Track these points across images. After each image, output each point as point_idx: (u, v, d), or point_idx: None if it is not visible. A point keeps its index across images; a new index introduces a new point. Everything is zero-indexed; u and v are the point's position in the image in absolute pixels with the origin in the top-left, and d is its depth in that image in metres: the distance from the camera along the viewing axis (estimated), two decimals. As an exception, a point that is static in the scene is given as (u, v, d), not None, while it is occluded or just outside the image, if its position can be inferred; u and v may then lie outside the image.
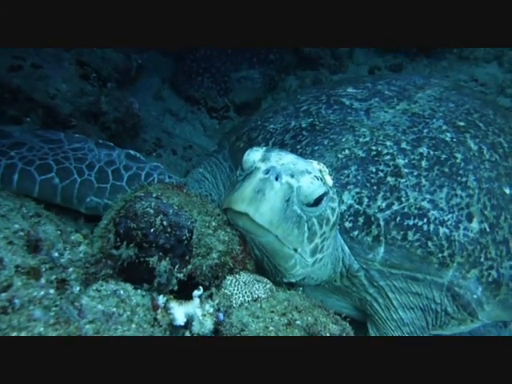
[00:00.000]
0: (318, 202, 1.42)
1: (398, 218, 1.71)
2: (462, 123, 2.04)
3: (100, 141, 2.32)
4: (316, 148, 1.90)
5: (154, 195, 1.31)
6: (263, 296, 1.20)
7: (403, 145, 1.88)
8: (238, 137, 2.26)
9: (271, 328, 1.07)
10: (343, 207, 1.74)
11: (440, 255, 1.69)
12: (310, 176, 1.40)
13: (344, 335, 1.13)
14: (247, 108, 4.28)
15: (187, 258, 1.26)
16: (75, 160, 2.15)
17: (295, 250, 1.43)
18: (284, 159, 1.40)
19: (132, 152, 2.33)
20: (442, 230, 1.71)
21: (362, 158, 1.83)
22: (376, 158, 1.83)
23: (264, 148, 1.48)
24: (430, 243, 1.70)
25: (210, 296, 1.22)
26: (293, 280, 1.54)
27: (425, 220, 1.72)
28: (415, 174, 1.80)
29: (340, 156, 1.84)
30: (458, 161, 1.87)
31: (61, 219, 1.63)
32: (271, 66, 4.50)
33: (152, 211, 1.23)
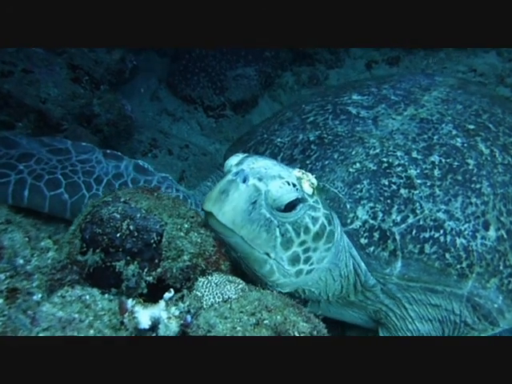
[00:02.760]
0: (291, 207, 1.42)
1: (414, 231, 1.70)
2: (471, 126, 2.01)
3: (108, 151, 2.28)
4: (326, 163, 1.87)
5: (122, 200, 1.32)
6: (234, 296, 1.21)
7: (414, 154, 1.85)
8: (245, 150, 2.23)
9: (239, 328, 1.07)
10: (358, 223, 1.73)
11: (458, 266, 1.68)
12: (281, 181, 1.40)
13: (315, 333, 1.13)
14: (244, 106, 4.28)
15: (156, 261, 1.27)
16: (83, 174, 2.13)
17: (268, 255, 1.43)
18: (257, 164, 1.43)
19: (141, 163, 2.30)
20: (459, 241, 1.70)
21: (374, 170, 1.81)
22: (388, 170, 1.80)
23: (245, 154, 1.52)
24: (447, 255, 1.68)
25: (181, 298, 1.22)
26: (280, 290, 1.52)
27: (441, 231, 1.70)
28: (428, 184, 1.78)
29: (351, 170, 1.82)
30: (470, 167, 1.84)
31: (35, 225, 1.60)
32: (267, 63, 4.47)
33: (118, 216, 1.25)
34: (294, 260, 1.49)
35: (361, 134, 1.95)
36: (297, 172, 1.51)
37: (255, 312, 1.12)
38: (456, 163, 1.84)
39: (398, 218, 1.72)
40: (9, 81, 2.48)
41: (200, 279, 1.28)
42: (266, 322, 1.10)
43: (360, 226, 1.72)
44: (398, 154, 1.85)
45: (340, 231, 1.64)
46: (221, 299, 1.19)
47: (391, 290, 1.74)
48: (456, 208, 1.74)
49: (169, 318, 1.14)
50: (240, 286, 1.25)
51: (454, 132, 1.96)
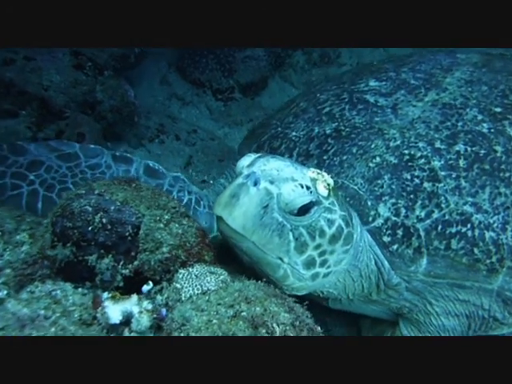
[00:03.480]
0: (304, 211, 1.39)
1: (440, 227, 1.63)
2: (498, 109, 1.89)
3: (117, 153, 2.23)
4: (344, 158, 1.80)
5: (97, 192, 1.30)
6: (213, 288, 1.19)
7: (437, 144, 1.76)
8: (259, 145, 2.17)
9: (215, 321, 1.04)
10: (380, 221, 1.67)
11: (488, 261, 1.61)
12: (294, 183, 1.36)
13: (296, 323, 1.10)
14: (253, 88, 4.19)
15: (133, 253, 1.25)
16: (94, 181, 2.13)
17: (281, 260, 1.40)
18: (269, 165, 1.39)
19: (151, 164, 2.24)
20: (488, 235, 1.62)
21: (395, 164, 1.73)
22: (410, 164, 1.72)
23: (258, 154, 1.47)
24: (475, 250, 1.62)
25: (161, 290, 1.21)
26: (296, 293, 1.49)
27: (468, 226, 1.63)
28: (453, 176, 1.69)
29: (371, 165, 1.74)
30: (498, 154, 1.74)
31: (17, 217, 1.57)
32: (276, 43, 4.31)
33: (90, 209, 1.23)
34: (310, 264, 1.45)
35: (380, 124, 1.86)
36: (311, 173, 1.46)
37: (234, 304, 1.10)
38: (483, 151, 1.74)
39: (422, 214, 1.65)
40: (11, 69, 2.45)
41: (180, 271, 1.26)
42: (243, 313, 1.06)
43: (382, 224, 1.66)
44: (420, 144, 1.76)
45: (360, 231, 1.59)
46: (200, 291, 1.17)
47: (416, 288, 1.69)
48: (484, 200, 1.66)
49: (140, 312, 1.14)
50: (221, 277, 1.23)
51: (480, 117, 1.85)
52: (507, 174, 1.71)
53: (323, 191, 1.45)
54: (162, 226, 1.30)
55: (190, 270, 1.24)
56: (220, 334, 1.00)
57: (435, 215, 1.64)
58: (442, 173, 1.69)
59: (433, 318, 1.75)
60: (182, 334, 1.02)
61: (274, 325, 1.06)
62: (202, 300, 1.11)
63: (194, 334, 1.01)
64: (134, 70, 3.65)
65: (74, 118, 2.50)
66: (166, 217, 1.32)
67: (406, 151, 1.75)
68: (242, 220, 1.31)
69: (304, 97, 2.33)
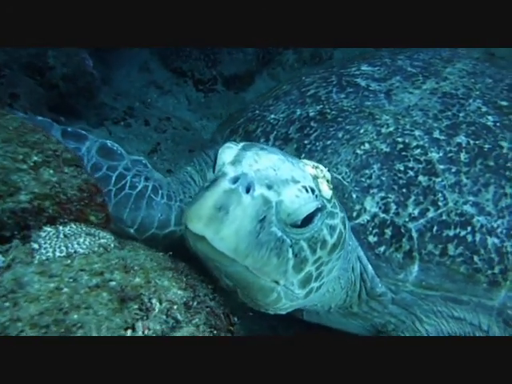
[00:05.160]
0: (308, 220, 1.08)
1: (435, 228, 1.38)
2: (504, 103, 1.67)
3: (69, 129, 1.90)
4: (328, 143, 1.54)
5: None
6: (82, 251, 1.00)
7: (436, 134, 1.52)
8: (233, 129, 1.90)
9: (65, 290, 0.86)
10: (366, 217, 1.40)
11: (489, 272, 1.36)
12: (297, 187, 1.05)
13: (192, 304, 0.95)
14: (237, 82, 3.96)
15: None
16: None
17: (276, 283, 1.10)
18: (262, 162, 1.05)
19: (109, 143, 1.90)
20: (490, 241, 1.37)
21: (386, 153, 1.48)
22: (403, 153, 1.47)
23: (241, 144, 1.13)
24: (476, 258, 1.36)
25: (8, 251, 0.99)
26: (280, 312, 1.23)
27: (468, 229, 1.38)
28: (453, 170, 1.45)
29: (359, 152, 1.49)
30: (504, 151, 1.51)
31: None
32: (266, 37, 4.12)
33: None
34: (306, 281, 1.16)
35: (371, 109, 1.62)
36: (310, 168, 1.15)
37: (105, 271, 0.92)
38: (487, 146, 1.51)
39: (416, 212, 1.39)
40: None
41: (46, 228, 1.03)
42: (112, 283, 0.89)
43: (368, 221, 1.40)
44: (417, 133, 1.52)
45: (348, 228, 1.32)
46: (64, 254, 0.96)
47: (404, 300, 1.42)
48: (487, 200, 1.42)
49: None
50: (102, 240, 1.02)
51: (484, 109, 1.62)
52: (514, 173, 1.47)
53: (327, 192, 1.15)
54: (25, 167, 1.05)
55: (60, 228, 1.00)
56: (66, 306, 0.82)
57: (430, 214, 1.39)
58: (441, 166, 1.45)
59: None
60: (6, 304, 0.81)
61: (154, 301, 0.86)
62: (59, 264, 0.88)
63: (26, 304, 0.81)
64: (113, 52, 3.38)
65: (10, 77, 2.18)
66: (35, 158, 1.07)
67: (400, 139, 1.50)
68: (233, 241, 0.98)
69: (288, 81, 2.09)
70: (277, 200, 1.03)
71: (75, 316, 0.84)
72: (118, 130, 2.93)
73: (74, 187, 1.10)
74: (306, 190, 1.06)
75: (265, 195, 1.01)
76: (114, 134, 2.86)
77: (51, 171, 1.07)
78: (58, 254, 0.95)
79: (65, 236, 1.00)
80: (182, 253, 1.22)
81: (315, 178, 1.13)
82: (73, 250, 0.97)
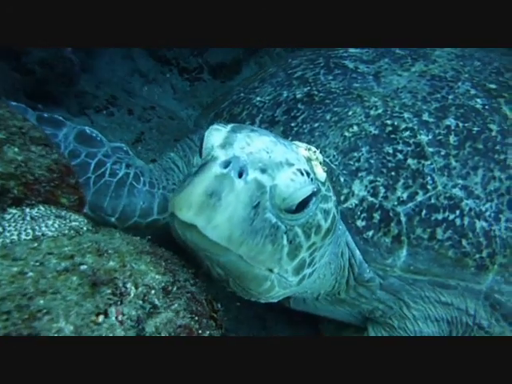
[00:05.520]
0: (302, 205, 1.04)
1: (424, 212, 1.35)
2: (493, 85, 1.65)
3: (45, 115, 1.82)
4: (316, 125, 1.49)
5: None
6: (51, 234, 0.94)
7: (425, 116, 1.49)
8: (218, 113, 1.84)
9: (30, 274, 0.80)
10: (354, 201, 1.37)
11: (477, 256, 1.34)
12: (291, 170, 1.00)
13: (171, 289, 0.90)
14: (224, 70, 3.87)
15: None
16: None
17: (270, 271, 1.05)
18: (254, 145, 1.00)
19: (88, 130, 1.82)
20: (478, 224, 1.36)
21: (375, 135, 1.44)
22: (392, 136, 1.44)
23: (230, 125, 1.08)
24: (464, 242, 1.34)
25: None
26: (274, 301, 1.20)
27: (457, 212, 1.36)
28: (442, 153, 1.42)
29: (347, 134, 1.44)
30: (493, 133, 1.49)
31: None
32: (254, 25, 4.03)
33: None
34: (300, 268, 1.11)
35: (359, 91, 1.58)
36: (303, 150, 1.10)
37: (75, 255, 0.86)
38: (476, 128, 1.48)
39: (405, 196, 1.36)
40: None
41: (11, 210, 0.98)
42: (83, 267, 0.83)
43: (356, 205, 1.36)
44: (406, 115, 1.48)
45: (338, 211, 1.28)
46: (30, 236, 0.90)
47: (392, 286, 1.40)
48: (476, 183, 1.39)
49: None
50: (73, 223, 0.96)
51: (473, 91, 1.60)
52: (502, 157, 1.45)
53: (321, 175, 1.10)
54: None
55: (27, 210, 0.94)
56: (31, 291, 0.76)
57: (419, 198, 1.36)
58: (430, 149, 1.42)
59: (408, 322, 1.46)
60: None
61: (129, 285, 0.81)
62: (24, 247, 0.82)
63: None
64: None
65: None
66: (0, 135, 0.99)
67: (389, 121, 1.47)
68: (226, 229, 0.92)
69: (274, 63, 2.02)
70: (271, 184, 0.97)
71: (41, 301, 0.78)
72: (100, 119, 2.83)
73: (43, 167, 1.02)
74: (301, 173, 1.01)
75: (258, 179, 0.96)
76: (96, 122, 2.76)
77: (16, 149, 1.00)
78: (23, 236, 0.89)
79: (32, 218, 0.94)
80: (167, 243, 1.17)
81: (309, 160, 1.08)
82: (40, 233, 0.91)
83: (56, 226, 0.96)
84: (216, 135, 1.03)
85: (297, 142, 1.14)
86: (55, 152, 1.07)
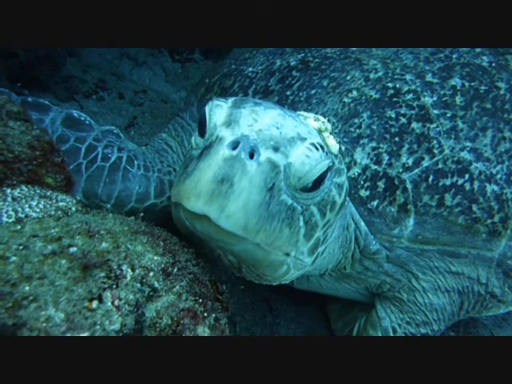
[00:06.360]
0: (319, 182, 0.96)
1: (431, 178, 1.27)
2: (499, 42, 1.55)
3: (29, 99, 1.72)
4: (313, 92, 1.40)
5: None
6: (35, 215, 0.89)
7: (429, 77, 1.40)
8: (208, 88, 1.74)
9: (13, 258, 0.74)
10: (356, 170, 1.29)
11: (489, 222, 1.27)
12: (305, 145, 0.92)
13: (171, 270, 0.83)
14: (216, 50, 3.75)
15: None
16: None
17: (287, 255, 0.98)
18: (262, 120, 0.91)
19: (75, 113, 1.73)
20: (489, 188, 1.28)
21: (376, 99, 1.35)
22: (394, 99, 1.35)
23: (231, 100, 0.98)
24: (474, 207, 1.27)
25: None
26: (286, 282, 1.13)
27: (466, 176, 1.28)
28: (449, 115, 1.33)
29: (346, 100, 1.36)
30: (501, 92, 1.40)
31: None
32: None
33: None
34: (314, 248, 1.05)
35: (357, 54, 1.48)
36: (312, 121, 1.01)
37: (63, 236, 0.79)
38: (483, 87, 1.39)
39: (410, 161, 1.28)
40: None
41: None
42: (72, 249, 0.76)
43: (359, 174, 1.29)
44: (408, 77, 1.39)
45: (349, 183, 1.20)
46: (12, 219, 0.84)
47: (400, 257, 1.33)
48: (485, 145, 1.31)
49: None
50: (61, 203, 0.88)
51: (478, 49, 1.50)
52: (512, 116, 1.37)
53: (335, 147, 1.02)
54: None
55: (8, 191, 0.86)
56: (15, 277, 0.69)
57: (426, 163, 1.28)
58: (435, 111, 1.33)
59: (418, 295, 1.40)
60: None
61: (125, 267, 0.73)
62: (6, 230, 0.74)
63: None
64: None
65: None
66: None
67: (390, 84, 1.37)
68: (242, 217, 0.84)
69: (266, 33, 1.91)
70: (285, 163, 0.89)
71: (26, 288, 0.71)
72: (90, 104, 2.74)
73: (23, 144, 0.94)
74: (316, 148, 0.92)
75: (272, 159, 0.87)
76: (86, 108, 2.67)
77: None
78: (4, 219, 0.82)
79: (13, 199, 0.87)
80: (165, 227, 1.10)
81: (319, 131, 1.00)
82: (23, 215, 0.84)
83: (41, 206, 0.89)
84: (218, 112, 0.94)
85: (303, 112, 1.06)
86: (36, 128, 0.99)
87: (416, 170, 1.28)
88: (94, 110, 2.65)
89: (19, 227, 0.80)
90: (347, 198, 1.24)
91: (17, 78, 2.18)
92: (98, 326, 0.72)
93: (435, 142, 1.29)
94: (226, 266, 1.08)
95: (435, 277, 1.37)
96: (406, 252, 1.33)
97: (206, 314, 0.84)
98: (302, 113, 1.06)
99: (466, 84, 1.39)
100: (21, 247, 0.76)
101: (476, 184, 1.28)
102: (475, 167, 1.29)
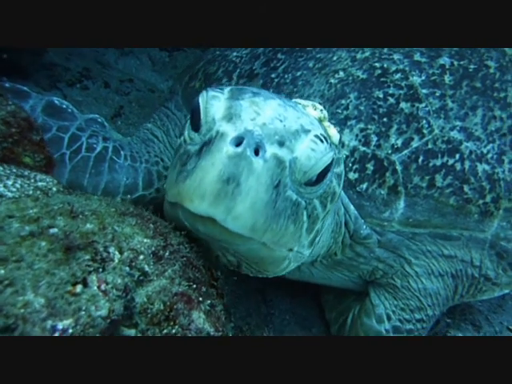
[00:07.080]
0: (323, 175, 0.92)
1: (421, 159, 1.24)
2: (487, 21, 1.52)
3: (7, 84, 1.64)
4: (298, 74, 1.36)
5: None
6: (11, 195, 0.84)
7: (417, 56, 1.36)
8: (192, 75, 1.70)
9: None
10: (344, 152, 1.25)
11: (481, 202, 1.24)
12: (309, 137, 0.87)
13: (162, 254, 0.78)
14: (205, 38, 3.69)
15: None
16: None
17: (290, 250, 0.95)
18: (264, 113, 0.86)
19: (56, 101, 1.65)
20: (480, 167, 1.25)
21: (363, 80, 1.31)
22: (382, 79, 1.31)
23: (227, 90, 0.92)
24: (466, 187, 1.24)
25: None
26: (281, 274, 1.10)
27: (457, 156, 1.25)
28: (437, 94, 1.30)
29: (333, 81, 1.32)
30: (491, 71, 1.37)
31: None
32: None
33: None
34: (313, 239, 1.03)
35: (343, 34, 1.44)
36: (311, 110, 0.97)
37: (42, 217, 0.73)
38: (472, 66, 1.36)
39: (399, 142, 1.25)
40: None
41: None
42: (53, 230, 0.71)
43: (347, 156, 1.25)
44: (395, 56, 1.36)
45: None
46: None
47: (391, 242, 1.30)
48: (475, 124, 1.28)
49: None
50: (40, 183, 0.83)
51: (467, 28, 1.47)
52: (502, 94, 1.34)
53: (336, 137, 0.99)
54: None
55: None
56: None
57: (415, 143, 1.25)
58: (424, 90, 1.30)
59: (412, 280, 1.37)
60: None
61: (112, 249, 0.68)
62: None
63: None
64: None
65: None
66: None
67: (378, 64, 1.34)
68: (250, 217, 0.81)
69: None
70: (291, 158, 0.85)
71: (1, 271, 0.66)
72: (74, 93, 2.66)
73: (1, 121, 0.88)
74: (321, 140, 0.88)
75: (278, 155, 0.83)
76: (70, 96, 2.59)
77: None
78: (-24, 199, 0.77)
79: (-13, 180, 0.81)
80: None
81: (319, 121, 0.96)
82: (-2, 195, 0.78)
83: (17, 186, 0.84)
84: (216, 105, 0.88)
85: (299, 100, 1.01)
86: (12, 104, 0.92)
87: (405, 151, 1.24)
88: (78, 99, 2.57)
89: None
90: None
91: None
92: (83, 312, 0.66)
93: (424, 121, 1.26)
94: (224, 265, 1.04)
95: (428, 261, 1.34)
96: (398, 236, 1.30)
97: (201, 299, 0.79)
98: (298, 101, 1.01)
99: (455, 63, 1.36)
100: None
101: (467, 164, 1.25)
102: (466, 147, 1.26)
